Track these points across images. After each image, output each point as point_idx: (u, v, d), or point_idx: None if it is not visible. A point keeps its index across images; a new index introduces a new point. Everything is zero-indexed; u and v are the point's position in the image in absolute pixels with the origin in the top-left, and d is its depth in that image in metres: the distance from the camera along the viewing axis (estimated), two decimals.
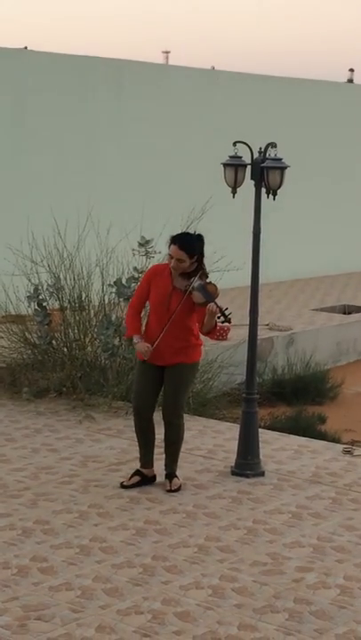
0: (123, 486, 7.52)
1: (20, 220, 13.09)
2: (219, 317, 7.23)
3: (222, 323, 7.32)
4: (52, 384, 10.24)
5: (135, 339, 7.44)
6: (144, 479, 7.57)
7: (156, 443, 7.66)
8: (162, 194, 16.17)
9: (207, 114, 17.67)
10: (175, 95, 17.25)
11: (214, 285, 7.29)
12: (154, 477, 7.62)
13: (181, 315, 7.29)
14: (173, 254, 7.27)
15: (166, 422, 7.51)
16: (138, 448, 7.66)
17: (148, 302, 7.58)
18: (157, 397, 7.61)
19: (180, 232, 7.55)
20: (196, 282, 7.23)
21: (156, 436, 7.68)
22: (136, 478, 7.56)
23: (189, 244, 7.28)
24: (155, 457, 7.66)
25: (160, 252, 7.59)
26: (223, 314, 7.22)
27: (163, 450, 7.65)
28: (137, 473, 7.60)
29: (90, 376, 10.23)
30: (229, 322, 7.32)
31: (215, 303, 7.17)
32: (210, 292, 7.22)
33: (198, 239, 7.35)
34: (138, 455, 7.71)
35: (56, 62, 15.41)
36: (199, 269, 7.31)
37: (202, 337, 7.58)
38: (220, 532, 6.73)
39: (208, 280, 7.32)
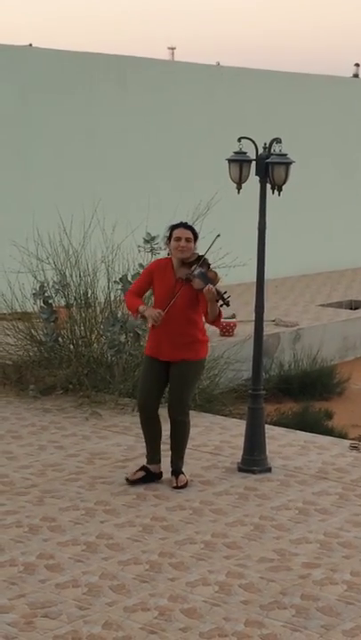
0: (127, 481, 7.52)
1: (25, 217, 13.10)
2: (217, 301, 7.25)
3: (221, 306, 7.33)
4: (58, 381, 10.24)
5: (141, 308, 7.37)
6: (149, 475, 7.57)
7: (162, 439, 7.66)
8: (167, 190, 16.17)
9: (212, 109, 17.66)
10: (180, 91, 17.24)
11: (215, 272, 7.37)
12: (160, 474, 7.62)
13: (184, 305, 7.30)
14: (182, 235, 7.34)
15: (172, 420, 7.51)
16: (144, 444, 7.66)
17: (152, 298, 7.59)
18: (162, 394, 7.62)
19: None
20: (197, 269, 7.29)
21: (163, 434, 7.67)
22: (140, 473, 7.56)
23: (191, 226, 7.50)
24: (162, 453, 7.65)
25: (165, 248, 7.60)
26: (222, 297, 7.25)
27: (169, 447, 7.65)
28: (142, 468, 7.59)
29: (96, 373, 10.23)
30: (228, 305, 7.34)
31: (214, 287, 7.20)
32: (210, 278, 7.26)
33: None
34: (144, 452, 7.71)
35: (61, 59, 15.42)
36: (200, 258, 7.34)
37: (208, 333, 7.58)
38: (227, 528, 6.73)
39: (210, 268, 7.37)
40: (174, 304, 7.28)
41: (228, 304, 7.35)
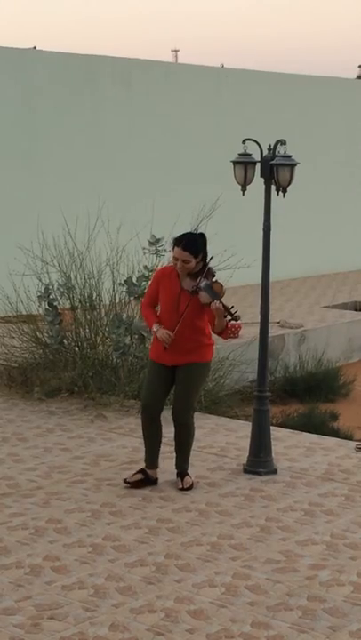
0: (125, 482, 7.51)
1: (30, 219, 13.12)
2: (225, 316, 7.21)
3: (229, 321, 7.30)
4: (63, 383, 10.24)
5: (155, 327, 7.36)
6: (147, 479, 7.54)
7: (165, 441, 7.65)
8: (172, 192, 16.18)
9: (216, 111, 17.67)
10: (184, 93, 17.25)
11: (220, 284, 7.24)
12: (156, 480, 7.59)
13: (191, 316, 7.27)
14: (178, 256, 7.23)
15: (177, 422, 7.50)
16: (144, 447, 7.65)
17: (158, 304, 7.57)
18: (167, 397, 7.60)
19: (182, 233, 7.50)
20: (203, 282, 7.19)
21: (168, 436, 7.67)
22: (139, 476, 7.54)
23: (193, 244, 7.24)
24: (164, 456, 7.65)
25: (170, 251, 7.60)
26: (229, 312, 7.20)
27: (173, 449, 7.64)
28: (141, 471, 7.58)
29: (101, 375, 10.23)
30: (236, 320, 7.30)
31: (221, 302, 7.14)
32: (215, 292, 7.18)
33: (201, 238, 7.34)
34: None
35: (65, 62, 15.44)
36: (205, 269, 7.28)
37: (213, 336, 7.57)
38: (233, 529, 6.72)
39: (215, 279, 7.29)
40: (180, 313, 7.24)
41: (236, 319, 7.30)
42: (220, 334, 7.41)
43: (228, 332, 7.45)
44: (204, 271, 7.25)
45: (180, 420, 7.47)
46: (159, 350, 7.43)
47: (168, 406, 7.73)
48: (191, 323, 7.30)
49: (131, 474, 7.62)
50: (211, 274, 7.29)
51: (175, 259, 7.27)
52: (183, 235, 7.39)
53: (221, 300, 7.17)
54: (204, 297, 7.19)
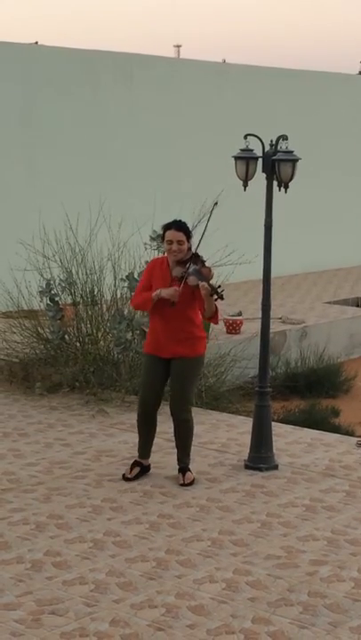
0: (125, 479, 7.54)
1: (31, 214, 13.10)
2: (212, 295, 7.26)
3: (216, 300, 7.34)
4: (64, 379, 10.24)
5: (155, 293, 7.33)
6: (143, 469, 7.64)
7: (166, 437, 7.67)
8: (173, 187, 16.17)
9: (218, 107, 17.65)
10: (186, 89, 17.23)
11: (208, 268, 7.38)
12: (149, 466, 7.69)
13: (182, 303, 7.31)
14: (173, 238, 7.31)
15: (175, 418, 7.52)
16: (138, 439, 7.68)
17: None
18: (164, 390, 7.63)
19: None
20: (192, 267, 7.32)
21: (168, 432, 7.68)
22: (137, 469, 7.61)
23: (184, 225, 7.40)
24: (165, 452, 7.70)
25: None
26: (216, 291, 7.25)
27: (174, 445, 7.65)
28: (136, 464, 7.64)
29: (102, 370, 10.23)
30: (222, 298, 7.33)
31: (208, 283, 7.20)
32: (203, 275, 7.28)
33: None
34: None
35: (67, 57, 15.42)
36: (193, 255, 7.34)
37: (215, 332, 7.57)
38: (234, 525, 6.73)
39: (204, 264, 7.38)
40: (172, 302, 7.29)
41: (222, 297, 7.36)
42: (210, 319, 7.45)
43: (217, 317, 7.50)
44: (193, 258, 7.34)
45: (178, 415, 7.50)
46: (154, 341, 7.47)
47: (165, 402, 7.73)
48: (183, 312, 7.34)
49: (128, 470, 7.65)
50: (200, 260, 7.37)
51: (169, 242, 7.33)
52: (171, 221, 7.47)
53: (210, 282, 7.24)
54: (192, 280, 7.29)
